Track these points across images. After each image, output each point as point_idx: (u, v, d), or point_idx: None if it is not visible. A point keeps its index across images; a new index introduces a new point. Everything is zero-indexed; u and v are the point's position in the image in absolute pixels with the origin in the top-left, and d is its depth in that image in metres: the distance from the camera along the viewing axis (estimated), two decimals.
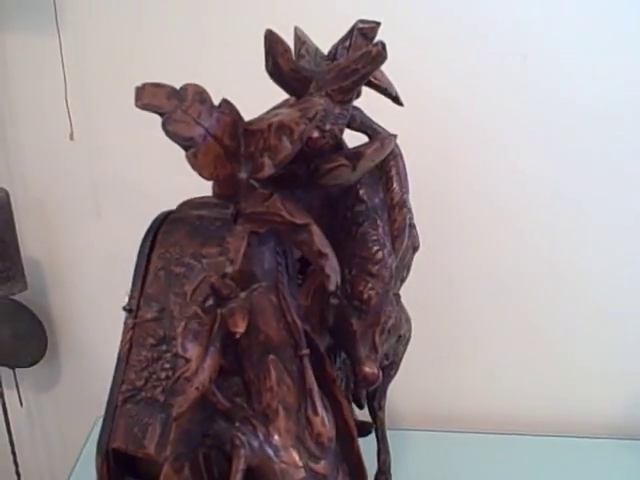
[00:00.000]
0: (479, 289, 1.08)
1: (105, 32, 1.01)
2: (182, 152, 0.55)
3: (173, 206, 0.70)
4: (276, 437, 0.60)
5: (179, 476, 0.59)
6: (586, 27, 0.95)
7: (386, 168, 0.67)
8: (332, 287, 0.56)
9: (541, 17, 0.94)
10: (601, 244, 1.04)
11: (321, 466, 0.60)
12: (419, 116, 0.91)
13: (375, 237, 0.66)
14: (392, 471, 0.87)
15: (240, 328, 0.56)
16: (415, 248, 0.76)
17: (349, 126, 0.65)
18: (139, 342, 0.63)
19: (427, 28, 0.96)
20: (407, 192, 0.70)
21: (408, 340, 0.83)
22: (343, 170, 0.59)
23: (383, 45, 0.55)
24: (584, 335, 1.08)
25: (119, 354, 0.64)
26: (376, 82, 0.65)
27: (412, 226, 0.75)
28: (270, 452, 0.59)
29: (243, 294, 0.58)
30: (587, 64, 0.96)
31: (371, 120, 0.67)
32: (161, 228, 0.66)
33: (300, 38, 0.65)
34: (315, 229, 0.56)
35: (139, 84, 0.53)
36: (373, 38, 0.61)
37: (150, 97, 0.53)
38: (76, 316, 1.17)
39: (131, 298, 0.65)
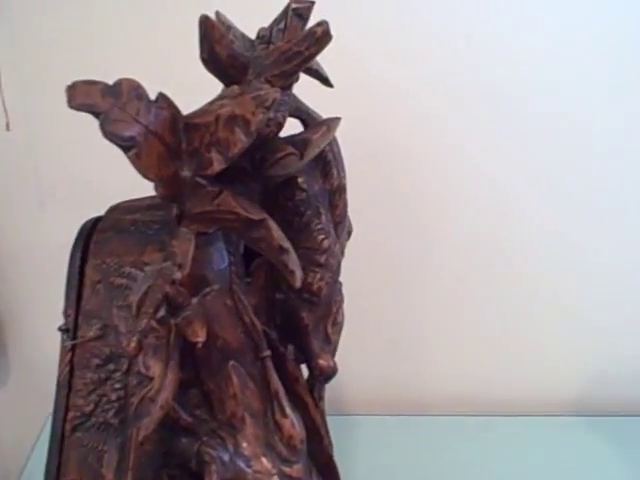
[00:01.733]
0: (433, 272, 1.08)
1: (40, 19, 0.95)
2: None
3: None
4: (245, 446, 0.56)
5: None
6: (531, 5, 0.94)
7: (322, 153, 0.65)
8: (298, 283, 0.54)
9: None
10: (558, 221, 1.04)
11: (295, 470, 0.58)
12: (356, 98, 0.89)
13: (320, 226, 0.64)
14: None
15: (201, 337, 0.53)
16: (349, 232, 0.74)
17: None
18: (82, 364, 0.58)
19: (364, 7, 0.93)
20: (345, 177, 0.67)
21: (342, 325, 0.81)
22: (291, 159, 0.56)
23: (328, 25, 0.52)
24: (542, 314, 1.09)
25: (58, 379, 0.58)
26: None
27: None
28: (241, 464, 0.56)
29: (195, 300, 0.55)
30: (533, 43, 0.95)
31: (305, 104, 0.65)
32: (92, 237, 0.61)
33: (224, 23, 0.61)
34: (272, 224, 0.53)
35: (69, 83, 0.48)
36: (308, 18, 0.58)
37: (83, 96, 0.48)
38: (23, 312, 1.11)
39: (66, 316, 0.59)
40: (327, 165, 0.66)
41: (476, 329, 1.10)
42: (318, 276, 0.64)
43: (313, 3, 0.58)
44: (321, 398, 0.85)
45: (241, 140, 0.49)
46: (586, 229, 1.05)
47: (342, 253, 0.74)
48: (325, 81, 0.65)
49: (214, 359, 0.56)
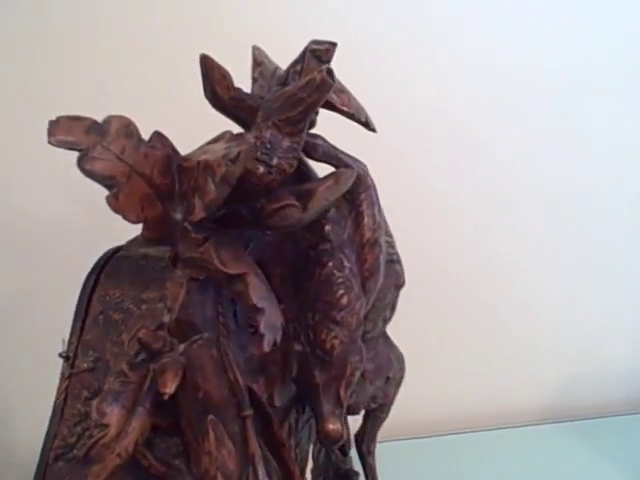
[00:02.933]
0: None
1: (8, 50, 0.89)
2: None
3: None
4: None
5: None
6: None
7: (356, 202, 0.60)
8: (266, 348, 0.50)
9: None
10: (524, 229, 1.06)
11: None
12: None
13: (341, 280, 0.59)
14: None
15: (169, 389, 0.50)
16: (398, 286, 0.69)
17: (311, 157, 0.59)
18: (74, 394, 0.57)
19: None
20: (380, 227, 0.62)
21: (400, 380, 0.76)
22: (292, 211, 0.52)
23: (329, 71, 0.48)
24: (509, 324, 1.08)
25: (54, 405, 0.58)
26: (343, 108, 0.58)
27: (395, 262, 0.68)
28: None
29: (182, 347, 0.52)
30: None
31: (336, 149, 0.60)
32: (105, 267, 0.60)
33: (257, 59, 0.58)
34: (252, 279, 0.50)
35: (54, 118, 0.48)
36: (328, 61, 0.54)
37: (65, 132, 0.47)
38: None
39: (69, 344, 0.59)
40: (360, 215, 0.61)
41: (447, 341, 1.09)
42: (333, 334, 0.60)
43: (334, 45, 0.53)
44: (370, 453, 0.81)
45: (212, 190, 0.46)
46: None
47: (392, 308, 0.69)
48: (365, 125, 0.60)
49: (193, 410, 0.54)
